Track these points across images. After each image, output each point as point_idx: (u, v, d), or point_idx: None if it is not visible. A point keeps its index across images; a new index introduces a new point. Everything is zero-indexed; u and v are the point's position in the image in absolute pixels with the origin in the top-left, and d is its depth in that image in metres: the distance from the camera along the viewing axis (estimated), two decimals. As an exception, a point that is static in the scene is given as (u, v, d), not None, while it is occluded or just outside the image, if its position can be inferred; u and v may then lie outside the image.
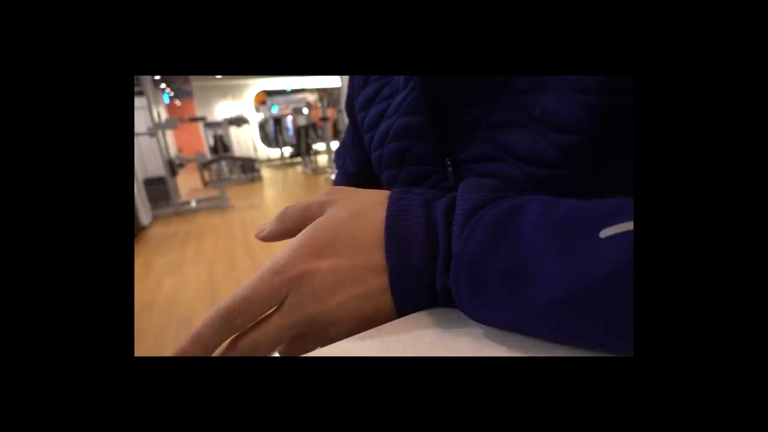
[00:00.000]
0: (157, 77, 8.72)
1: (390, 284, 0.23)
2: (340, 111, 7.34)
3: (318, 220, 0.25)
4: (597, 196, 0.20)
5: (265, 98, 11.60)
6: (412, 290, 0.23)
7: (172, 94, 12.94)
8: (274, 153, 11.33)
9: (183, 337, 0.22)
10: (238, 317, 0.22)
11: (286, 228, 0.27)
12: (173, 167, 5.03)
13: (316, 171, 7.47)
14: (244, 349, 0.23)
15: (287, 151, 10.93)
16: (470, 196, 0.23)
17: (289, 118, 10.10)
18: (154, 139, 4.98)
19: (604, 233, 0.17)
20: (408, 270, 0.23)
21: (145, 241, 3.87)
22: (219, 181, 5.47)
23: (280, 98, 11.70)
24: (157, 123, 4.85)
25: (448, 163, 0.34)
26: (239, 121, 6.70)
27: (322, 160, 8.88)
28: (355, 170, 0.52)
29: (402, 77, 0.38)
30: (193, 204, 5.06)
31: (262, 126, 11.33)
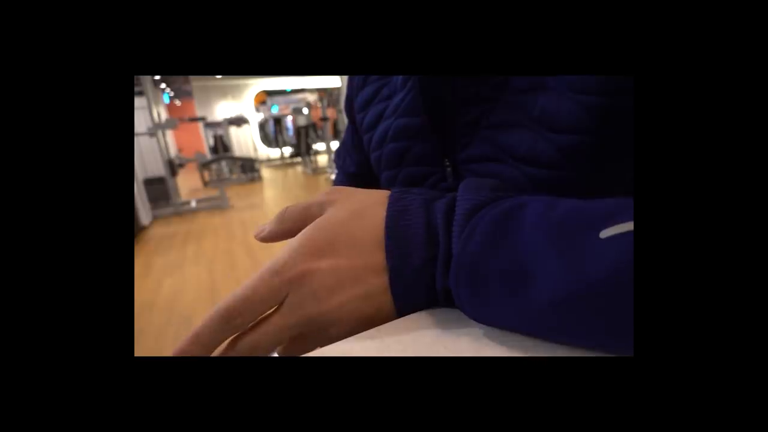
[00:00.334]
0: (157, 77, 8.72)
1: (390, 284, 0.23)
2: (340, 111, 7.34)
3: (318, 220, 0.25)
4: (597, 196, 0.20)
5: (265, 98, 11.60)
6: (413, 290, 0.23)
7: (172, 94, 12.95)
8: (274, 153, 11.33)
9: (183, 337, 0.22)
10: (238, 317, 0.22)
11: (285, 228, 0.27)
12: (173, 167, 5.03)
13: (316, 171, 7.47)
14: (243, 349, 0.23)
15: (287, 151, 10.93)
16: (470, 196, 0.23)
17: (289, 118, 10.10)
18: (154, 139, 4.98)
19: (604, 233, 0.17)
20: (408, 270, 0.23)
21: (145, 241, 3.87)
22: (219, 181, 5.47)
23: (280, 98, 11.70)
24: (157, 123, 4.85)
25: (447, 163, 0.34)
26: (239, 121, 6.70)
27: (322, 160, 8.88)
28: (354, 170, 0.52)
29: (400, 78, 0.38)
30: (193, 204, 5.06)
31: (262, 126, 11.33)
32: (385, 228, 0.23)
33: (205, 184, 7.24)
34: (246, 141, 10.84)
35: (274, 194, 6.04)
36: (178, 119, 5.65)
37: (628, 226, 0.16)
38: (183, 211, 4.96)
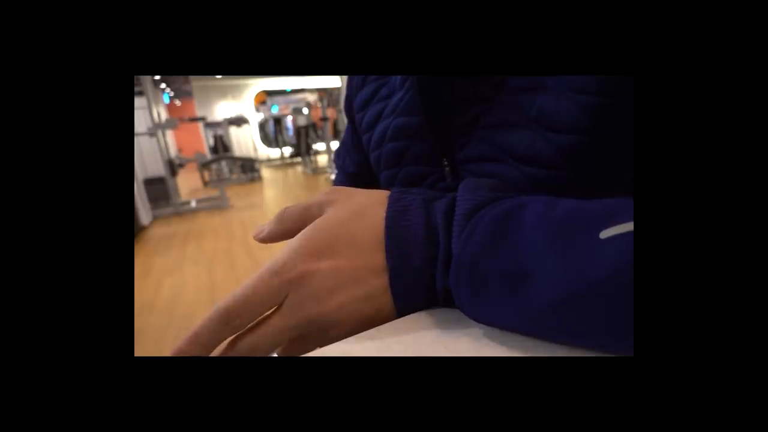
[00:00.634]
0: (157, 77, 8.72)
1: (390, 284, 0.23)
2: (339, 111, 7.33)
3: (317, 220, 0.25)
4: (596, 196, 0.20)
5: (265, 98, 11.61)
6: (413, 290, 0.23)
7: (172, 94, 12.95)
8: (274, 153, 11.34)
9: (182, 337, 0.22)
10: (237, 318, 0.22)
11: (285, 229, 0.27)
12: (173, 167, 5.03)
13: (316, 171, 7.47)
14: (243, 350, 0.23)
15: (287, 151, 10.93)
16: (470, 196, 0.23)
17: (289, 118, 10.10)
18: (154, 139, 4.98)
19: (604, 234, 0.17)
20: (408, 270, 0.23)
21: (145, 241, 3.87)
22: (219, 181, 5.47)
23: (280, 98, 11.70)
24: (157, 123, 4.85)
25: (446, 163, 0.34)
26: (239, 121, 6.70)
27: (322, 160, 8.89)
28: (354, 170, 0.52)
29: (399, 77, 0.38)
30: (193, 204, 5.06)
31: (262, 126, 11.33)
32: (385, 228, 0.23)
33: (205, 184, 7.24)
34: (246, 141, 10.84)
35: (274, 194, 6.04)
36: (178, 119, 5.65)
37: (628, 226, 0.16)
38: (183, 211, 4.96)
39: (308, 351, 0.24)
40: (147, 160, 5.85)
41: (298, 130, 8.39)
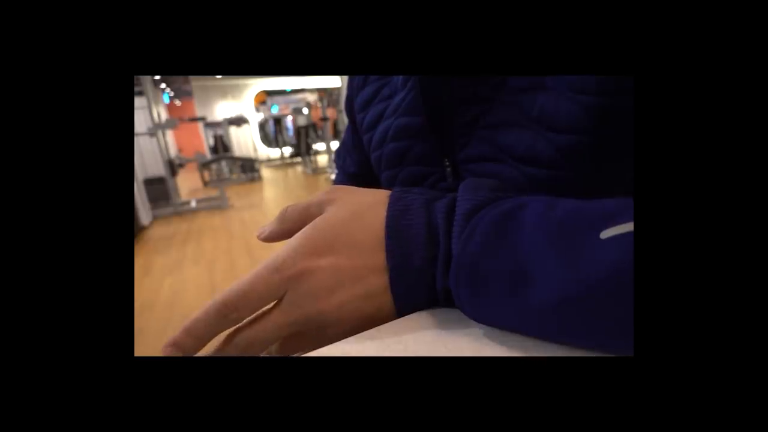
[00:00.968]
0: (157, 77, 8.72)
1: (391, 284, 0.23)
2: (340, 111, 7.34)
3: (318, 219, 0.25)
4: (596, 196, 0.20)
5: (265, 98, 11.60)
6: (413, 290, 0.23)
7: (172, 94, 12.94)
8: (274, 153, 11.33)
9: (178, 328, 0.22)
10: (234, 312, 0.22)
11: (286, 228, 0.27)
12: (173, 167, 5.03)
13: (316, 171, 7.47)
14: (240, 343, 0.23)
15: (287, 151, 10.92)
16: (470, 196, 0.23)
17: (289, 118, 10.10)
18: (154, 139, 4.98)
19: (605, 234, 0.17)
20: (409, 270, 0.23)
21: (145, 241, 3.87)
22: (219, 181, 5.47)
23: (280, 98, 11.70)
24: (157, 123, 4.85)
25: (447, 163, 0.34)
26: (239, 121, 6.70)
27: (322, 160, 8.89)
28: (355, 170, 0.52)
29: (401, 77, 0.38)
30: (193, 204, 5.06)
31: (262, 126, 11.33)
32: (386, 228, 0.23)
33: (205, 184, 7.24)
34: (246, 141, 10.83)
35: (274, 194, 6.04)
36: (178, 119, 5.65)
37: (629, 226, 0.16)
38: (183, 211, 4.96)
39: (306, 349, 0.24)
40: (147, 160, 5.84)
41: (298, 130, 8.38)
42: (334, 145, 7.02)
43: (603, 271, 0.16)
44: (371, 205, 0.25)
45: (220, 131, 7.66)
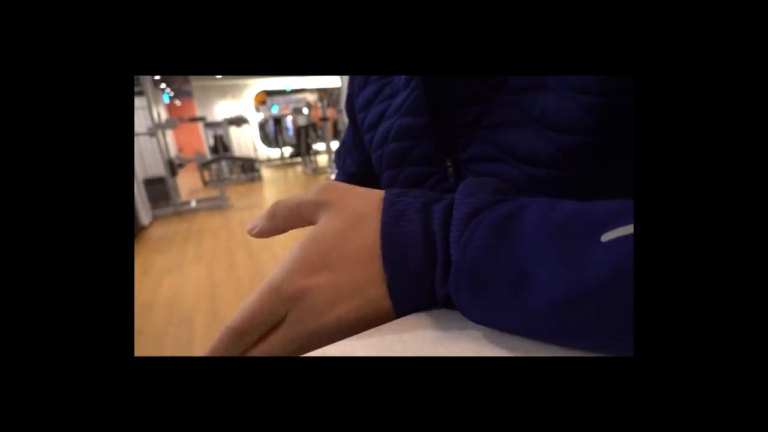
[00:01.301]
0: (157, 77, 8.72)
1: (389, 292, 0.23)
2: (340, 111, 7.34)
3: (312, 231, 0.25)
4: (597, 196, 0.19)
5: (265, 98, 11.60)
6: (412, 296, 0.23)
7: (172, 94, 12.94)
8: (274, 153, 11.33)
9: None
10: (246, 336, 0.23)
11: (276, 226, 0.27)
12: (173, 167, 5.03)
13: (316, 171, 7.47)
14: None
15: (287, 151, 10.92)
16: (468, 200, 0.23)
17: (289, 118, 10.10)
18: (154, 139, 4.98)
19: (606, 237, 0.17)
20: (406, 277, 0.23)
21: (145, 241, 3.87)
22: (219, 181, 5.47)
23: (280, 98, 11.70)
24: (157, 123, 4.85)
25: (449, 163, 0.34)
26: (239, 121, 6.70)
27: (322, 160, 8.89)
28: (355, 170, 0.52)
29: (403, 78, 0.38)
30: (193, 204, 5.06)
31: (262, 126, 11.33)
32: (381, 235, 0.23)
33: (205, 184, 7.24)
34: (246, 141, 10.83)
35: (274, 194, 6.04)
36: (178, 119, 5.66)
37: (629, 228, 0.16)
38: (183, 211, 4.96)
39: None
40: (147, 160, 5.85)
41: (298, 130, 8.38)
42: (334, 145, 7.03)
43: (603, 274, 0.16)
44: (365, 212, 0.24)
45: (220, 131, 7.66)
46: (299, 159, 9.61)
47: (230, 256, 3.14)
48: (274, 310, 0.23)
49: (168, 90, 11.98)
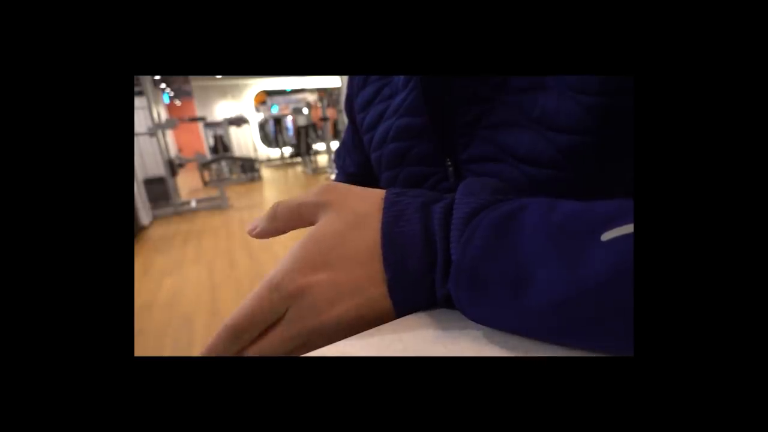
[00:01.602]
0: (157, 77, 8.72)
1: (389, 291, 0.23)
2: (340, 111, 7.34)
3: (313, 231, 0.25)
4: (597, 196, 0.19)
5: (265, 98, 11.60)
6: (412, 296, 0.23)
7: (172, 94, 12.94)
8: (274, 153, 11.33)
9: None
10: (245, 333, 0.23)
11: (277, 227, 0.27)
12: (173, 167, 5.03)
13: (316, 171, 7.47)
14: None
15: (287, 151, 10.92)
16: (468, 199, 0.23)
17: (289, 118, 10.10)
18: (154, 139, 4.98)
19: (606, 236, 0.17)
20: (406, 276, 0.23)
21: (145, 241, 3.87)
22: (219, 181, 5.47)
23: (280, 98, 11.70)
24: (157, 123, 4.85)
25: (449, 163, 0.34)
26: (239, 121, 6.70)
27: (322, 160, 8.89)
28: (355, 170, 0.52)
29: (402, 78, 0.38)
30: (193, 204, 5.06)
31: (262, 126, 11.33)
32: (381, 235, 0.23)
33: (205, 184, 7.24)
34: (246, 141, 10.83)
35: (274, 194, 6.04)
36: (178, 119, 5.66)
37: (629, 228, 0.16)
38: (183, 211, 4.96)
39: None
40: (147, 160, 5.85)
41: (298, 130, 8.38)
42: (334, 145, 7.03)
43: (603, 273, 0.16)
44: (366, 212, 0.24)
45: (220, 131, 7.66)
46: (299, 159, 9.61)
47: (230, 256, 3.14)
48: (274, 308, 0.23)
49: (168, 90, 11.98)
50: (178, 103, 14.59)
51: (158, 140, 4.85)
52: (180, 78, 10.18)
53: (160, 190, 5.05)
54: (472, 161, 0.33)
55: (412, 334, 0.21)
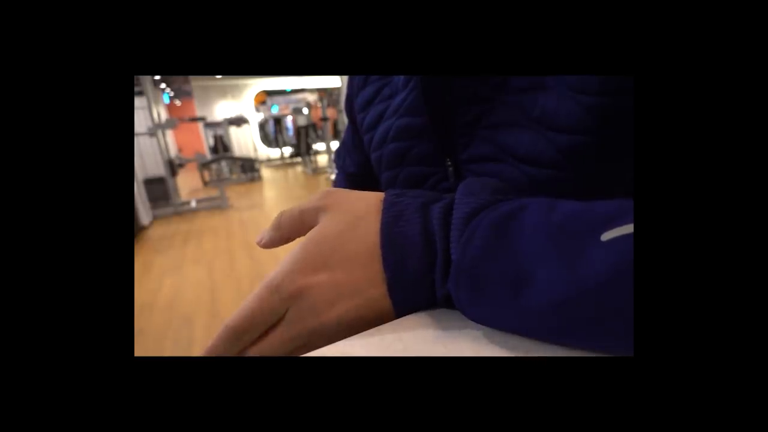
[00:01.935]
0: (157, 77, 8.72)
1: (389, 292, 0.23)
2: (340, 111, 7.34)
3: (313, 232, 0.25)
4: (597, 196, 0.19)
5: (265, 98, 11.60)
6: (412, 296, 0.23)
7: (172, 94, 12.93)
8: (274, 153, 11.33)
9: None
10: (246, 334, 0.23)
11: (282, 235, 0.27)
12: (173, 167, 5.03)
13: (316, 171, 7.47)
14: None
15: (287, 151, 10.92)
16: (468, 199, 0.23)
17: (289, 118, 10.10)
18: (154, 139, 4.98)
19: (606, 236, 0.17)
20: (406, 277, 0.23)
21: (145, 241, 3.87)
22: (219, 181, 5.46)
23: (280, 98, 11.70)
24: (157, 123, 4.85)
25: (449, 163, 0.34)
26: (239, 121, 6.69)
27: (322, 160, 8.89)
28: (355, 170, 0.52)
29: (402, 78, 0.38)
30: (193, 204, 5.06)
31: (262, 126, 11.33)
32: (381, 235, 0.23)
33: (205, 184, 7.24)
34: (246, 141, 10.83)
35: (274, 194, 6.04)
36: (178, 119, 5.66)
37: (629, 228, 0.16)
38: (183, 211, 4.96)
39: None
40: (147, 160, 5.84)
41: (298, 130, 8.38)
42: (334, 145, 7.03)
43: (603, 273, 0.16)
44: (365, 213, 0.24)
45: (220, 131, 7.66)
46: (299, 159, 9.61)
47: (230, 256, 3.14)
48: (274, 309, 0.23)
49: (168, 90, 11.98)
50: (178, 103, 14.59)
51: (158, 140, 4.85)
52: (180, 78, 10.17)
53: (160, 190, 5.05)
54: (472, 161, 0.33)
55: (412, 334, 0.21)
